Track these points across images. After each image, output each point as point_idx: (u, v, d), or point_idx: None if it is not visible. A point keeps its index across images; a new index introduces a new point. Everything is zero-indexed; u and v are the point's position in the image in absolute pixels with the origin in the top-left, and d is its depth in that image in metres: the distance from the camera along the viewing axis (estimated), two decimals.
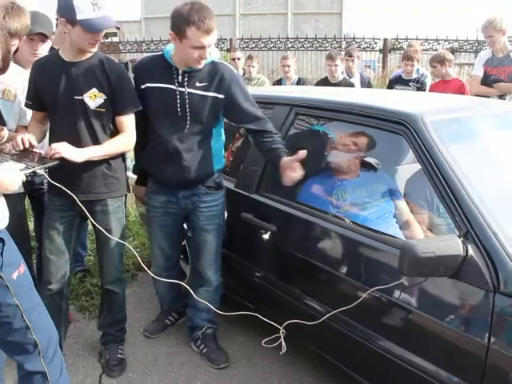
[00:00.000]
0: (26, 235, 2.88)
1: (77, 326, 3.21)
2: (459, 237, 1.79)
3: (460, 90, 4.93)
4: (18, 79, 2.66)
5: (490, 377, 1.72)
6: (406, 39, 11.14)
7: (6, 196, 1.90)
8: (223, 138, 2.79)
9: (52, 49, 2.90)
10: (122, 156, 2.62)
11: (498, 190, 2.13)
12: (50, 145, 2.46)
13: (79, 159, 2.30)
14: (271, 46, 12.91)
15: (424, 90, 5.37)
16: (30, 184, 2.82)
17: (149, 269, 2.55)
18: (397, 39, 11.77)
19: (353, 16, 20.97)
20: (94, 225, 2.45)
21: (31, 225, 3.36)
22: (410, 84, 5.48)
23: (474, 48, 11.21)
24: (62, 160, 2.21)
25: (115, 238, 2.50)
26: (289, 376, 2.75)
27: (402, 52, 6.41)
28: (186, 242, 3.24)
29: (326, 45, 12.33)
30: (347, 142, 2.59)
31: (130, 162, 3.16)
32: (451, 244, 1.76)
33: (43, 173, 2.11)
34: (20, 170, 1.91)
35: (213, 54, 2.53)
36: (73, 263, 2.73)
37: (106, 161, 2.49)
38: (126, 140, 2.51)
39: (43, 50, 2.83)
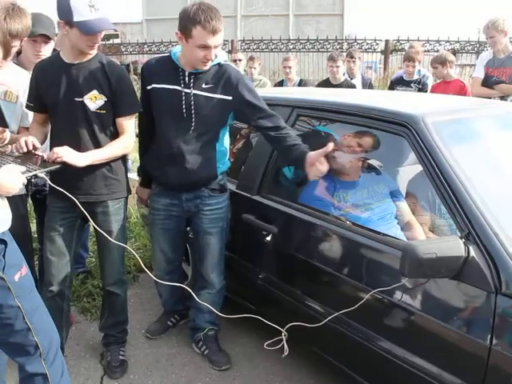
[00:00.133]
0: (28, 236, 2.89)
1: (78, 328, 3.21)
2: (461, 238, 1.79)
3: (461, 91, 4.93)
4: (19, 81, 2.67)
5: (492, 378, 1.72)
6: (408, 40, 11.15)
7: (9, 197, 1.90)
8: (228, 141, 2.79)
9: (54, 50, 2.91)
10: (123, 158, 2.62)
11: (500, 191, 2.12)
12: (50, 146, 2.48)
13: (81, 164, 2.31)
14: (273, 47, 12.93)
15: (425, 91, 5.37)
16: (33, 186, 2.82)
17: (150, 270, 2.55)
18: (398, 40, 11.78)
19: (354, 17, 20.97)
20: (95, 227, 2.45)
21: (33, 226, 3.37)
22: (412, 85, 5.48)
23: (476, 49, 11.22)
24: (64, 164, 2.22)
25: (116, 242, 2.49)
26: (290, 377, 2.74)
27: (404, 53, 6.40)
28: (188, 243, 3.23)
29: (328, 46, 12.36)
30: (348, 144, 2.59)
31: (132, 163, 3.17)
32: (453, 245, 1.75)
33: (44, 176, 2.11)
34: (21, 172, 1.91)
35: (219, 56, 2.53)
36: (74, 265, 2.73)
37: (106, 162, 2.49)
38: (126, 142, 2.51)
39: (46, 51, 2.84)
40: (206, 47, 2.36)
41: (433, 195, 2.22)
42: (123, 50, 14.67)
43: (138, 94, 2.66)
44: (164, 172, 2.64)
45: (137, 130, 2.78)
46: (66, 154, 2.24)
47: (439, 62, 5.10)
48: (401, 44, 11.69)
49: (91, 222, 2.37)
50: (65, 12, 2.25)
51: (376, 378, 2.22)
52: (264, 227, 2.66)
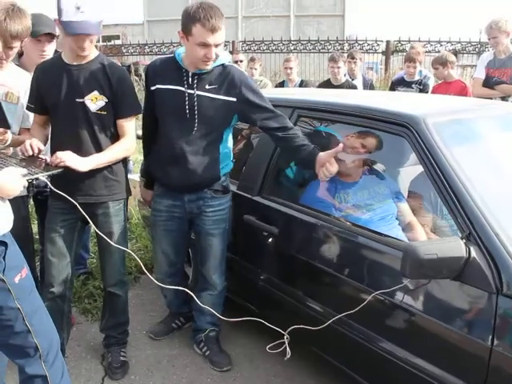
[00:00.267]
0: (29, 238, 2.89)
1: (79, 329, 3.21)
2: (462, 238, 1.79)
3: (462, 91, 4.93)
4: (20, 82, 2.67)
5: (494, 379, 1.71)
6: (409, 41, 11.14)
7: (10, 199, 1.90)
8: (231, 142, 2.78)
9: (56, 51, 2.91)
10: (124, 159, 2.62)
11: (501, 192, 2.12)
12: (51, 147, 2.48)
13: (84, 168, 2.31)
14: (274, 48, 12.94)
15: (426, 92, 5.37)
16: (34, 187, 2.82)
17: (151, 272, 2.55)
18: (399, 41, 11.79)
19: (355, 18, 20.99)
20: (96, 231, 2.45)
21: (35, 227, 3.37)
22: (413, 86, 5.47)
23: (477, 50, 11.21)
24: (67, 169, 2.22)
25: (117, 246, 2.49)
26: (291, 378, 2.74)
27: (405, 54, 6.40)
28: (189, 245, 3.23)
29: (329, 47, 12.37)
30: (349, 144, 2.59)
31: (133, 164, 3.17)
32: (454, 246, 1.75)
33: (45, 180, 2.11)
34: (22, 175, 1.91)
35: (223, 57, 2.53)
36: (75, 266, 2.74)
37: None
38: (127, 145, 2.52)
39: (49, 50, 2.85)
40: (206, 45, 2.35)
41: (433, 196, 2.22)
42: (124, 51, 14.71)
43: (139, 96, 2.66)
44: (167, 173, 2.63)
45: (138, 132, 2.78)
46: (69, 159, 2.25)
47: (440, 62, 5.10)
48: (402, 45, 11.70)
49: (92, 226, 2.37)
50: (57, 11, 2.29)
51: (377, 379, 2.22)
52: (265, 228, 2.66)
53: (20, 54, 2.85)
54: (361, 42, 12.26)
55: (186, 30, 2.37)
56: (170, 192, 2.70)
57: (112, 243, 2.42)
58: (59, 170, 2.19)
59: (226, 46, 12.46)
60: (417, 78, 5.50)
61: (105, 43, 16.21)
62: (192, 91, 2.50)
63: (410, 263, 1.73)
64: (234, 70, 2.56)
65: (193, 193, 2.66)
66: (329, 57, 5.86)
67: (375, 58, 12.56)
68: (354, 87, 5.60)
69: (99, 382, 2.73)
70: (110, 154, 2.47)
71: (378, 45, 12.00)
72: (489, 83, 4.70)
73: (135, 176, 4.26)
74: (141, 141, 2.84)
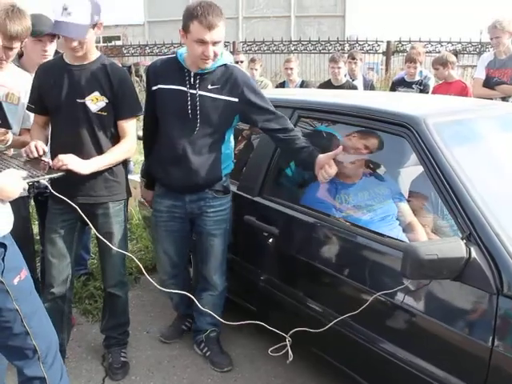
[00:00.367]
0: (29, 238, 2.89)
1: (80, 330, 3.21)
2: (462, 239, 1.79)
3: (463, 91, 4.92)
4: (21, 82, 2.67)
5: (494, 380, 1.71)
6: (409, 41, 11.13)
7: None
8: (233, 143, 2.78)
9: (57, 52, 2.92)
10: (124, 160, 2.62)
11: (501, 192, 2.12)
12: (51, 147, 2.48)
13: (86, 171, 2.32)
14: (274, 48, 12.94)
15: (427, 92, 5.36)
16: (35, 188, 2.82)
17: (152, 272, 2.55)
18: (400, 41, 11.78)
19: (356, 18, 21.00)
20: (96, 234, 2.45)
21: (36, 228, 3.37)
22: (413, 86, 5.47)
23: (478, 50, 11.20)
24: (69, 172, 2.22)
25: (118, 249, 2.49)
26: (292, 379, 2.74)
27: (405, 54, 6.40)
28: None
29: (329, 47, 12.37)
30: (350, 145, 2.59)
31: (133, 165, 3.17)
32: (454, 246, 1.75)
33: (46, 183, 2.11)
34: (22, 178, 1.91)
35: (225, 57, 2.53)
36: (75, 266, 2.74)
37: None
38: (128, 147, 2.53)
39: (51, 50, 2.85)
40: (204, 42, 2.35)
41: (434, 196, 2.22)
42: (125, 51, 14.72)
43: (140, 97, 2.66)
44: (168, 173, 2.62)
45: (139, 133, 2.78)
46: (71, 162, 2.25)
47: (440, 63, 5.09)
48: (402, 45, 11.68)
49: (92, 229, 2.37)
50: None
51: (377, 379, 2.21)
52: (265, 229, 2.66)
53: (20, 55, 2.85)
54: (361, 43, 12.26)
55: (185, 28, 2.38)
56: (170, 192, 2.70)
57: (112, 247, 2.42)
58: (60, 174, 2.19)
59: (226, 46, 12.47)
60: (417, 78, 5.50)
61: (105, 44, 16.25)
62: (194, 91, 2.50)
63: (410, 264, 1.73)
64: (236, 71, 2.56)
65: (194, 193, 2.65)
66: (329, 57, 5.86)
67: (376, 58, 12.56)
68: (355, 88, 5.60)
69: (100, 383, 2.73)
70: (111, 156, 2.47)
71: (379, 45, 12.00)
72: (489, 83, 4.69)
73: (136, 177, 4.26)
74: (141, 141, 2.84)
